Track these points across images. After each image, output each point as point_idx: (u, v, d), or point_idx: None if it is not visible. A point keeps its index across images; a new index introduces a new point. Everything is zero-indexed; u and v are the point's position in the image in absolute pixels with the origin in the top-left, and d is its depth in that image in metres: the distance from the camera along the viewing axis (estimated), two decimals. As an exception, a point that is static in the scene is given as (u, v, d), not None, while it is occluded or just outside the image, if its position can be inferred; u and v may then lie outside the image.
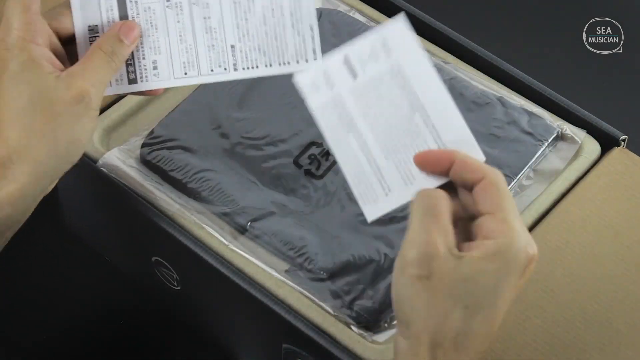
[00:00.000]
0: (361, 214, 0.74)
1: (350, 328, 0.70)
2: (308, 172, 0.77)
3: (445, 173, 0.61)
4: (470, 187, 0.60)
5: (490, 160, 0.77)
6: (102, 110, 0.81)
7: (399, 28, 0.66)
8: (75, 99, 0.65)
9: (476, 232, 0.59)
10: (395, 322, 0.70)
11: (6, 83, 0.64)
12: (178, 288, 0.80)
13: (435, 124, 0.64)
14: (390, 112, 0.65)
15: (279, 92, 0.81)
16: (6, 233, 0.65)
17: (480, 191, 0.59)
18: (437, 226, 0.58)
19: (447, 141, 0.63)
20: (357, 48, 0.66)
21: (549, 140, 0.79)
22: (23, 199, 0.64)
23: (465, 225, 0.60)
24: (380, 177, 0.64)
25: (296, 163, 0.77)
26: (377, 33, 0.65)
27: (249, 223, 0.74)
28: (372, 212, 0.64)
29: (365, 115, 0.65)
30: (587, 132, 0.80)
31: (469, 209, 0.60)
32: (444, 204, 0.59)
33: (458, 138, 0.63)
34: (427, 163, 0.62)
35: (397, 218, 0.73)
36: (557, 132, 0.79)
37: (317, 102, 0.66)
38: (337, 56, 0.66)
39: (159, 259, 0.79)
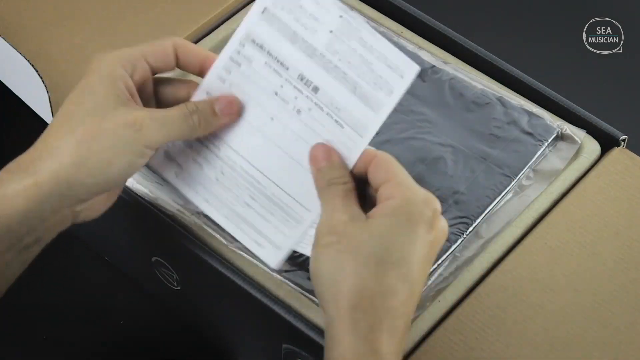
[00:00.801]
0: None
1: None
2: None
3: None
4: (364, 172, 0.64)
5: (491, 160, 0.77)
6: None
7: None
8: (127, 123, 0.63)
9: (378, 199, 0.61)
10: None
11: (79, 89, 0.65)
12: (178, 288, 0.80)
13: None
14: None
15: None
16: (25, 239, 0.64)
17: (374, 167, 0.63)
18: (344, 202, 0.62)
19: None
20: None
21: (549, 141, 0.79)
22: (38, 196, 0.62)
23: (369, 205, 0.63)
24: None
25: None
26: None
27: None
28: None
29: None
30: (587, 132, 0.80)
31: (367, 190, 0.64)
32: (347, 183, 0.63)
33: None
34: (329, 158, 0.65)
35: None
36: (557, 132, 0.79)
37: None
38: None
39: (159, 259, 0.79)
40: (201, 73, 0.68)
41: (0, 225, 0.62)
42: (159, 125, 0.64)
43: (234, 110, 0.67)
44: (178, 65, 0.68)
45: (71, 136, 0.63)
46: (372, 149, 0.64)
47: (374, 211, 0.61)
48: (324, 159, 0.64)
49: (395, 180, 0.61)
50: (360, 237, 0.60)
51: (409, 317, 0.60)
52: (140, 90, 0.67)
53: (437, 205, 0.62)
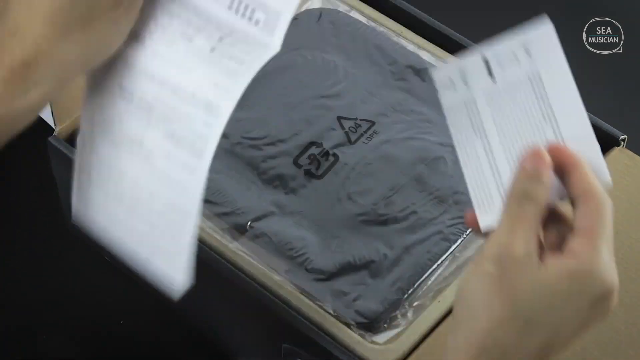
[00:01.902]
0: (361, 214, 0.74)
1: (350, 328, 0.70)
2: (308, 172, 0.77)
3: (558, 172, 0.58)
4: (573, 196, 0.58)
5: (490, 160, 0.77)
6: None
7: (544, 34, 0.63)
8: (115, 3, 0.59)
9: (564, 247, 0.56)
10: (395, 323, 0.70)
11: None
12: (178, 288, 0.80)
13: (566, 140, 0.61)
14: (522, 120, 0.61)
15: (279, 92, 0.81)
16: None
17: (585, 208, 0.56)
18: (524, 227, 0.56)
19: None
20: (497, 50, 0.62)
21: (549, 140, 0.79)
22: (44, 104, 0.60)
23: (554, 232, 0.58)
24: (500, 184, 0.61)
25: (296, 163, 0.77)
26: (520, 37, 0.62)
27: (249, 223, 0.74)
28: (487, 221, 0.60)
29: (496, 120, 0.62)
30: (587, 132, 0.80)
31: (563, 217, 0.58)
32: (541, 196, 0.57)
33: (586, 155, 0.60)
34: (550, 154, 0.59)
35: (397, 218, 0.73)
36: (557, 132, 0.79)
37: (450, 100, 0.62)
38: (476, 56, 0.62)
39: (159, 259, 0.79)
40: None
41: None
42: None
43: None
44: None
45: (64, 35, 0.58)
46: (599, 186, 0.57)
47: (551, 260, 0.55)
48: (536, 163, 0.58)
49: (594, 242, 0.55)
50: (522, 284, 0.55)
51: None
52: None
53: (615, 285, 0.57)
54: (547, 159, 0.58)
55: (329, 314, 0.70)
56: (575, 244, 0.55)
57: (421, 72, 0.82)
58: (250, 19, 0.60)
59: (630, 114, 1.02)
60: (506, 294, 0.55)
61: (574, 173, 0.57)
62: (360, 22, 0.86)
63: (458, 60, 0.61)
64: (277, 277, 0.72)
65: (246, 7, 0.59)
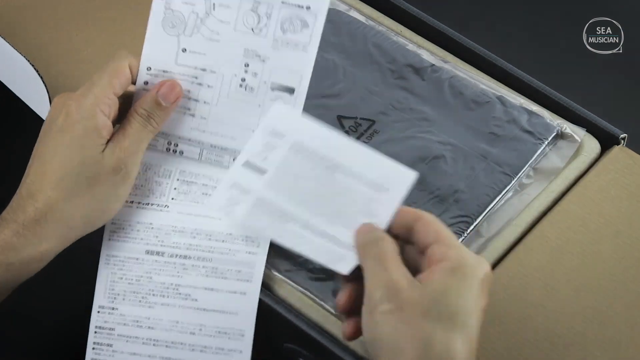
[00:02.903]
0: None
1: None
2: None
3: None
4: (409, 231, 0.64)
5: (491, 159, 0.77)
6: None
7: (277, 110, 0.69)
8: (115, 169, 0.69)
9: (428, 261, 0.62)
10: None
11: (66, 143, 0.68)
12: (179, 288, 0.80)
13: (356, 171, 0.66)
14: (312, 184, 0.67)
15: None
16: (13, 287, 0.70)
17: (422, 227, 0.63)
18: (394, 263, 0.62)
19: (374, 178, 0.66)
20: (251, 147, 0.68)
21: (549, 139, 0.78)
22: (48, 258, 0.69)
23: (408, 263, 0.63)
24: (335, 241, 0.66)
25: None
26: (262, 125, 0.69)
27: None
28: (345, 266, 0.65)
29: (291, 199, 0.67)
30: (587, 131, 0.80)
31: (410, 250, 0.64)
32: (391, 243, 0.63)
33: (384, 173, 0.67)
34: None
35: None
36: (557, 131, 0.79)
37: (241, 213, 0.67)
38: (236, 165, 0.68)
39: (160, 259, 0.79)
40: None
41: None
42: (132, 150, 0.70)
43: (177, 93, 0.71)
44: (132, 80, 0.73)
45: (72, 198, 0.68)
46: (411, 208, 0.65)
47: (428, 274, 0.61)
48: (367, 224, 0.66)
49: (445, 242, 0.62)
50: (423, 302, 0.59)
51: None
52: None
53: (488, 268, 0.62)
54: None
55: (330, 313, 0.70)
56: (436, 250, 0.61)
57: (420, 70, 0.82)
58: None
59: (630, 113, 1.02)
60: (415, 318, 0.59)
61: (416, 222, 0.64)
62: (360, 21, 0.86)
63: (223, 181, 0.68)
64: (278, 277, 0.72)
65: None
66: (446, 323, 0.59)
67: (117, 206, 0.70)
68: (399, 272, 0.61)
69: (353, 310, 0.63)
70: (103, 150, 0.68)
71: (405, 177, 0.66)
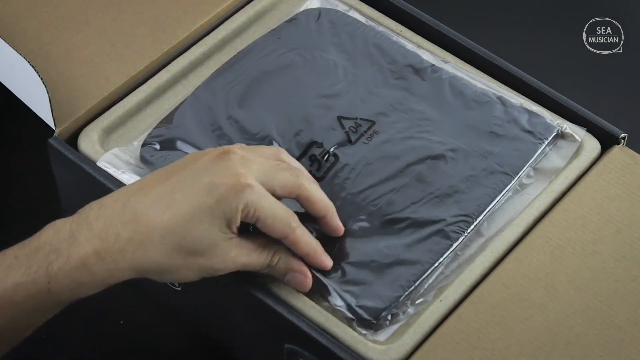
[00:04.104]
0: (362, 214, 0.74)
1: (353, 327, 0.70)
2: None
3: None
4: None
5: (491, 159, 0.77)
6: (102, 111, 0.81)
7: None
8: (216, 268, 0.68)
9: None
10: (396, 320, 0.70)
11: (199, 216, 0.66)
12: (179, 289, 0.80)
13: None
14: None
15: (279, 91, 0.81)
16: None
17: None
18: None
19: None
20: None
21: (549, 139, 0.79)
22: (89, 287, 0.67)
23: None
24: None
25: (297, 164, 0.77)
26: None
27: (252, 226, 0.74)
28: None
29: None
30: (587, 131, 0.80)
31: None
32: None
33: None
34: None
35: (398, 217, 0.73)
36: (557, 131, 0.79)
37: None
38: None
39: (160, 259, 0.79)
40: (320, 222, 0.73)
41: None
42: (243, 265, 0.69)
43: (307, 284, 0.71)
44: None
45: (164, 260, 0.67)
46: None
47: None
48: None
49: None
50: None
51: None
52: None
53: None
54: None
55: (331, 313, 0.70)
56: None
57: (421, 71, 0.82)
58: None
59: (630, 113, 1.02)
60: None
61: None
62: (360, 21, 0.86)
63: None
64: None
65: None
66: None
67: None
68: None
69: None
70: (229, 248, 0.68)
71: None
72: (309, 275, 0.71)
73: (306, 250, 0.70)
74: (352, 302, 0.70)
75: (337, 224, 0.72)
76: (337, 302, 0.70)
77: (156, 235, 0.65)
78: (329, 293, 0.71)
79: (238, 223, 0.67)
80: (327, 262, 0.71)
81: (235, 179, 0.66)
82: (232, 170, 0.67)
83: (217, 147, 0.69)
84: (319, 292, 0.71)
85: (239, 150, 0.68)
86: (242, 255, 0.68)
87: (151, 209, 0.66)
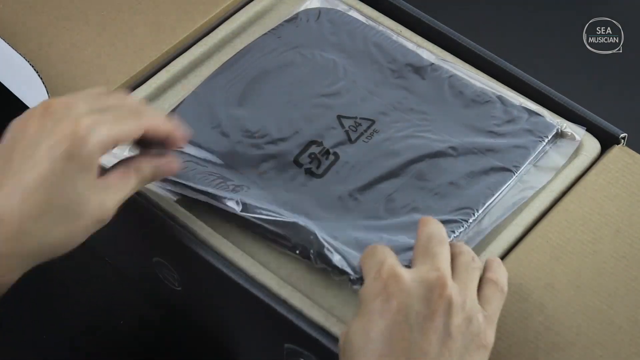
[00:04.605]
0: (362, 212, 0.74)
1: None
2: (308, 171, 0.76)
3: None
4: None
5: (491, 157, 0.77)
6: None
7: None
8: (100, 220, 0.66)
9: None
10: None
11: (57, 179, 0.64)
12: (179, 289, 0.80)
13: None
14: None
15: (279, 90, 0.81)
16: None
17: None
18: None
19: None
20: None
21: (549, 137, 0.79)
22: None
23: None
24: None
25: (296, 162, 0.77)
26: None
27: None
28: None
29: None
30: (587, 131, 0.80)
31: None
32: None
33: None
34: None
35: (399, 216, 0.73)
36: (557, 130, 0.79)
37: None
38: None
39: (160, 259, 0.79)
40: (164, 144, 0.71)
41: None
42: (119, 201, 0.67)
43: (175, 169, 0.71)
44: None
45: (42, 233, 0.64)
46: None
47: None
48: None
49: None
50: None
51: None
52: None
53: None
54: None
55: (331, 313, 0.70)
56: None
57: (420, 70, 0.82)
58: None
59: (630, 113, 1.02)
60: None
61: None
62: (359, 20, 0.86)
63: None
64: (279, 277, 0.72)
65: None
66: None
67: (81, 240, 0.67)
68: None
69: None
70: (93, 196, 0.65)
71: None
72: (174, 158, 0.71)
73: (166, 130, 0.70)
74: (354, 260, 0.70)
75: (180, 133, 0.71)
76: (335, 258, 0.70)
77: (28, 226, 0.64)
78: (330, 252, 0.70)
79: (96, 165, 0.65)
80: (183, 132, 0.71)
81: (72, 128, 0.64)
82: (64, 122, 0.64)
83: (36, 107, 0.66)
84: (317, 252, 0.71)
85: (56, 99, 0.66)
86: (116, 193, 0.67)
87: (7, 202, 0.63)
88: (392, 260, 0.63)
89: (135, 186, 0.69)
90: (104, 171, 0.67)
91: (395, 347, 0.60)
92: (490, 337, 0.63)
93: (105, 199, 0.66)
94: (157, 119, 0.70)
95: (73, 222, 0.65)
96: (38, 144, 0.64)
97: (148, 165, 0.70)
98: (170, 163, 0.71)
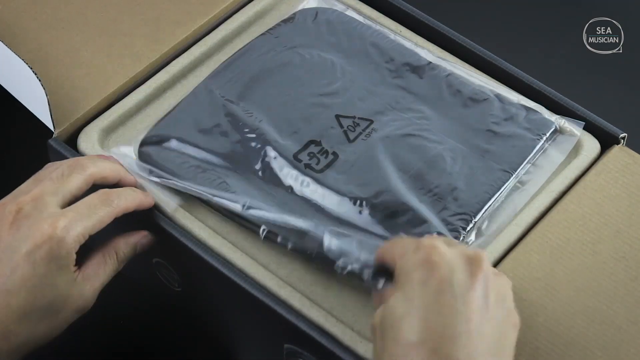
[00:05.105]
0: (360, 212, 0.74)
1: (352, 328, 0.70)
2: (308, 166, 0.76)
3: None
4: None
5: (489, 156, 0.77)
6: (102, 111, 0.81)
7: None
8: (81, 309, 0.69)
9: None
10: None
11: (38, 281, 0.66)
12: (179, 289, 0.80)
13: None
14: None
15: (277, 90, 0.81)
16: None
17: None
18: None
19: None
20: None
21: (547, 135, 0.79)
22: None
23: None
24: None
25: (296, 158, 0.77)
26: None
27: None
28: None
29: None
30: (587, 131, 0.80)
31: None
32: None
33: None
34: None
35: (397, 216, 0.73)
36: (555, 126, 0.79)
37: None
38: None
39: (160, 260, 0.79)
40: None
41: None
42: (99, 287, 0.71)
43: (147, 242, 0.75)
44: None
45: (29, 330, 0.67)
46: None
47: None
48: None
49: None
50: None
51: None
52: None
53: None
54: None
55: (330, 314, 0.70)
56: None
57: (418, 69, 0.82)
58: None
59: (630, 113, 1.02)
60: None
61: None
62: (357, 20, 0.86)
63: None
64: (278, 277, 0.72)
65: None
66: None
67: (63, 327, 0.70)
68: None
69: None
70: (74, 288, 0.68)
71: None
72: (146, 233, 0.74)
73: (135, 205, 0.72)
74: (357, 262, 0.70)
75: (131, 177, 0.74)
76: (352, 259, 0.71)
77: (14, 327, 0.66)
78: (346, 255, 0.71)
79: (74, 260, 0.68)
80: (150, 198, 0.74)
81: (49, 231, 0.66)
82: (38, 224, 0.66)
83: (5, 208, 0.67)
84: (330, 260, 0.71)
85: (24, 198, 0.67)
86: (94, 282, 0.70)
87: None
88: (429, 236, 0.66)
89: (113, 270, 0.71)
90: (81, 252, 0.69)
91: (441, 313, 0.61)
92: (518, 318, 0.64)
93: (84, 290, 0.69)
94: (125, 201, 0.71)
95: (56, 317, 0.68)
96: (16, 249, 0.66)
97: (125, 245, 0.73)
98: (146, 236, 0.74)
